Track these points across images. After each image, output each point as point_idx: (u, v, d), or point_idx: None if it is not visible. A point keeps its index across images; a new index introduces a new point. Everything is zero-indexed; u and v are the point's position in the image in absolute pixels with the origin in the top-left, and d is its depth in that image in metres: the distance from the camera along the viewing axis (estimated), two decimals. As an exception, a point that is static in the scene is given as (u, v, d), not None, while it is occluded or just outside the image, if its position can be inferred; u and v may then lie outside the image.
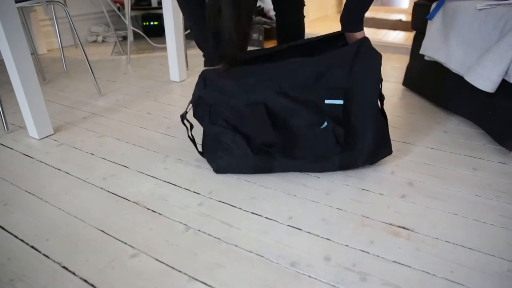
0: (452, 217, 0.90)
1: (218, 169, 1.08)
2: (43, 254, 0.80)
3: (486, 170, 1.10)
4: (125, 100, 1.65)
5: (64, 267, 0.77)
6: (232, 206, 0.95)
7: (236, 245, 0.82)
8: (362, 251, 0.80)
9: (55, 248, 0.82)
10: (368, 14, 3.36)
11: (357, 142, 1.01)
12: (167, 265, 0.77)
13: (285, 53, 1.09)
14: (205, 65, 1.12)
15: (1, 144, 1.28)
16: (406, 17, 3.18)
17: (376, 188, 1.01)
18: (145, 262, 0.78)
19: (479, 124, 1.31)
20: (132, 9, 2.56)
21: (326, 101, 0.98)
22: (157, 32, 2.82)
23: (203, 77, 1.02)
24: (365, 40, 0.99)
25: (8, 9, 1.12)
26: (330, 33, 1.11)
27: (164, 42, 2.54)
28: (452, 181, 1.04)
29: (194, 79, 1.86)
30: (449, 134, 1.31)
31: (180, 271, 0.76)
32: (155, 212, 0.93)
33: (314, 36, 1.12)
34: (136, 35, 2.82)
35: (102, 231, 0.87)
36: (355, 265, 0.77)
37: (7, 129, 1.37)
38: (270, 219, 0.90)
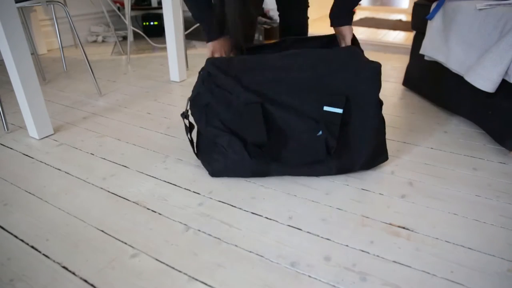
0: (452, 217, 0.90)
1: (214, 173, 1.06)
2: (43, 254, 0.80)
3: (486, 170, 1.10)
4: (125, 100, 1.65)
5: (64, 267, 0.77)
6: (232, 206, 0.95)
7: (236, 245, 0.82)
8: (362, 251, 0.80)
9: (55, 248, 0.82)
10: (368, 14, 3.37)
11: (353, 153, 1.01)
12: (167, 265, 0.77)
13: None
14: (207, 41, 1.11)
15: (1, 144, 1.28)
16: (406, 17, 3.19)
17: (376, 188, 1.01)
18: (145, 262, 0.78)
19: (479, 124, 1.31)
20: (132, 9, 2.56)
21: (325, 108, 0.96)
22: (157, 32, 2.82)
23: (207, 70, 1.01)
24: (361, 50, 1.00)
25: (8, 9, 1.12)
26: (323, 35, 1.12)
27: (164, 42, 2.54)
28: (452, 181, 1.04)
29: (194, 79, 1.86)
30: (449, 134, 1.31)
31: (180, 271, 0.76)
32: (155, 212, 0.93)
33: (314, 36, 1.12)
34: (136, 35, 2.82)
35: (102, 231, 0.87)
36: (355, 265, 0.77)
37: (7, 129, 1.37)
38: (270, 219, 0.90)
